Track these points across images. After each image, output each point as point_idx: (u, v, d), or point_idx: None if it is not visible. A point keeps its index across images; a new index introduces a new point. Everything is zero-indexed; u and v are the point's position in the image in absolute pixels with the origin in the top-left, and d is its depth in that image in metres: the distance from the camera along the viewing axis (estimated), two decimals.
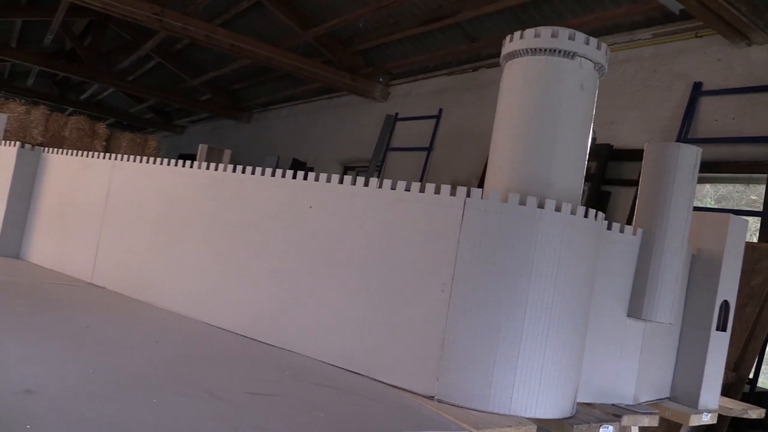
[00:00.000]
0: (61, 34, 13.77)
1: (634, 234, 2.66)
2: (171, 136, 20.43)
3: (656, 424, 2.64)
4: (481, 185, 2.40)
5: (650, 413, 2.62)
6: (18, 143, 4.10)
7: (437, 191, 2.34)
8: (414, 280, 2.33)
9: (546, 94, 2.38)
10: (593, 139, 6.11)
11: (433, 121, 10.18)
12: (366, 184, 2.52)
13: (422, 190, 2.37)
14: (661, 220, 2.64)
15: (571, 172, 2.40)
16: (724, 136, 6.54)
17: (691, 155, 2.67)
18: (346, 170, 11.75)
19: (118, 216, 3.49)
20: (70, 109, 16.87)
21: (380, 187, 2.48)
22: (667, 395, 3.00)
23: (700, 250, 2.98)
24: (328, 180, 2.63)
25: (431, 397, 2.24)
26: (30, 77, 17.23)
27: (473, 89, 9.81)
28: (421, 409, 2.13)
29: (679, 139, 6.83)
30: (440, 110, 10.12)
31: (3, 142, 4.26)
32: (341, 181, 2.60)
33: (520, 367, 2.20)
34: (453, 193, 2.30)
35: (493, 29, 9.09)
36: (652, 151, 2.75)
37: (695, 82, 6.86)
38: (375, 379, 2.36)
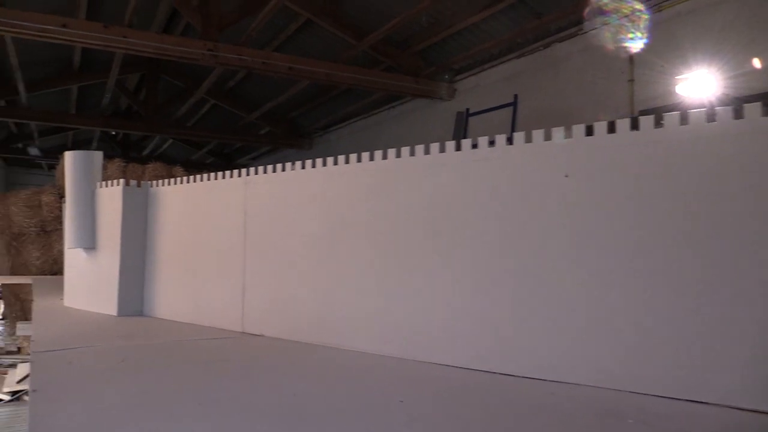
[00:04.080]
0: (116, 93, 13.40)
1: None
2: None
3: None
4: None
5: None
6: (122, 180, 3.37)
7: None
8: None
9: None
10: None
11: (510, 109, 9.26)
12: (657, 123, 1.64)
13: (739, 115, 1.50)
14: None
15: None
16: None
17: None
18: None
19: (265, 244, 2.68)
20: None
21: (685, 123, 1.60)
22: None
23: None
24: (589, 132, 1.76)
25: None
26: (93, 142, 16.99)
27: (548, 67, 8.89)
28: None
29: None
30: (515, 96, 9.19)
31: (101, 183, 3.53)
32: (612, 129, 1.72)
33: None
34: None
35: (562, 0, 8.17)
36: None
37: None
38: (693, 401, 1.49)
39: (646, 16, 7.28)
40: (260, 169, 2.71)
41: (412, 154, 2.20)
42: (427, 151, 2.14)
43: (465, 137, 9.99)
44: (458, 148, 2.06)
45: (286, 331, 2.56)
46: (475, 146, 2.03)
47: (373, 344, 2.24)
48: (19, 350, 8.19)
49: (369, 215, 2.28)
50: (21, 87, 11.83)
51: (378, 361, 2.13)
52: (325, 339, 2.41)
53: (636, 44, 7.47)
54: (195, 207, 3.09)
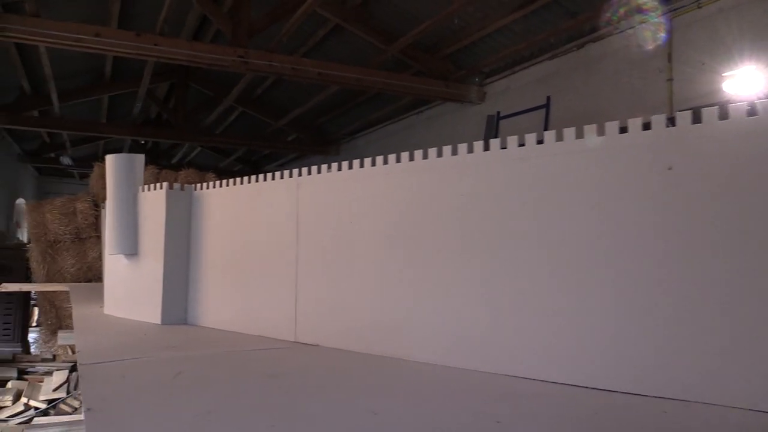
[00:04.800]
0: (146, 103, 13.40)
1: None
2: None
3: None
4: None
5: None
6: (165, 184, 3.23)
7: None
8: None
9: None
10: None
11: (542, 111, 9.02)
12: None
13: None
14: None
15: None
16: None
17: None
18: None
19: (319, 248, 2.50)
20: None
21: None
22: None
23: None
24: (696, 119, 1.56)
25: None
26: (123, 150, 17.05)
27: (582, 68, 8.64)
28: None
29: None
30: (548, 98, 8.96)
31: (143, 187, 3.40)
32: (723, 116, 1.52)
33: None
34: None
35: None
36: None
37: None
38: None
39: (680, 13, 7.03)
40: (314, 169, 2.53)
41: (487, 148, 2.01)
42: (503, 146, 1.95)
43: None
44: (540, 141, 1.87)
45: (342, 341, 2.38)
46: (562, 139, 1.83)
47: (439, 354, 2.05)
48: (54, 358, 8.14)
49: (431, 216, 2.09)
50: (54, 97, 11.87)
51: (450, 374, 1.94)
52: (385, 349, 2.22)
53: (670, 42, 7.22)
54: (242, 210, 2.92)
